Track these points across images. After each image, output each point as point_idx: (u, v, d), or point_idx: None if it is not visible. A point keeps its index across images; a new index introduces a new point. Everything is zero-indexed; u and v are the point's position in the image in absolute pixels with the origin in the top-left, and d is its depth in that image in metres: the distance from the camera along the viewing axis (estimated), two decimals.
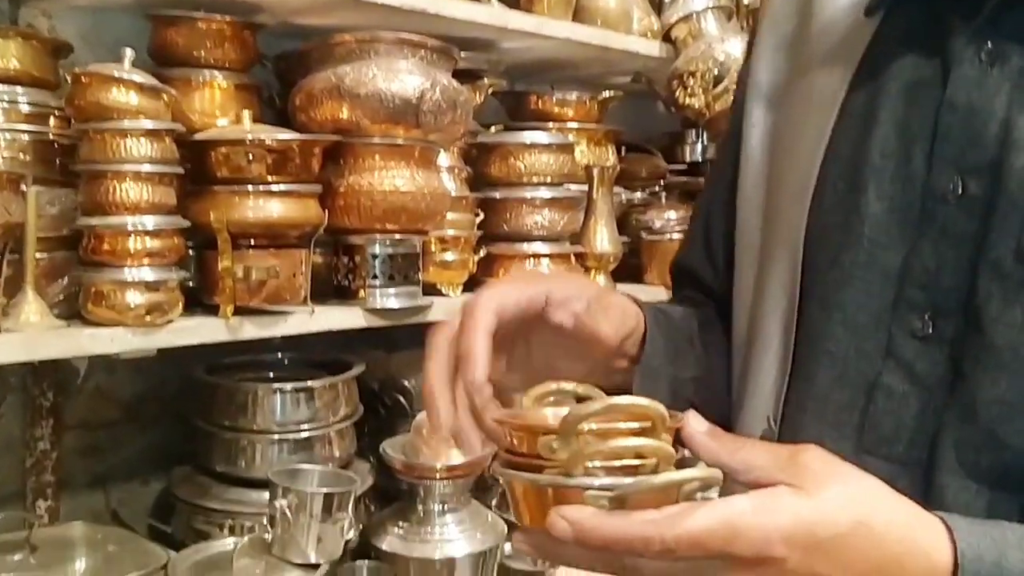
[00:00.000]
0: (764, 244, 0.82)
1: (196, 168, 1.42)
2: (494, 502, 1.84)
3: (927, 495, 0.67)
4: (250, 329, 1.43)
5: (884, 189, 0.71)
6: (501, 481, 0.58)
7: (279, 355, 1.79)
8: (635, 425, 0.55)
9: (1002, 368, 0.66)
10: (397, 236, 1.56)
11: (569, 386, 0.66)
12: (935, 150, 0.70)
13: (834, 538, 0.54)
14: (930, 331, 0.68)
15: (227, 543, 1.49)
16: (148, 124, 1.30)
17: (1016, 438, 0.65)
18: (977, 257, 0.67)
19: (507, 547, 1.75)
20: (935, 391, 0.68)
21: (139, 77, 1.32)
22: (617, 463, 0.54)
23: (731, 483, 0.57)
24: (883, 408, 0.70)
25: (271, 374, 1.74)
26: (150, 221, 1.29)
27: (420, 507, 1.64)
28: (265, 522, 1.48)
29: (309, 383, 1.63)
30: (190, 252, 1.44)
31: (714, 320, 0.90)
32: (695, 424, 0.59)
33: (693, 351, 0.85)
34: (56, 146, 1.35)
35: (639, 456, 0.55)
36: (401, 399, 1.84)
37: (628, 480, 0.53)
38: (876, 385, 0.70)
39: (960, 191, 0.68)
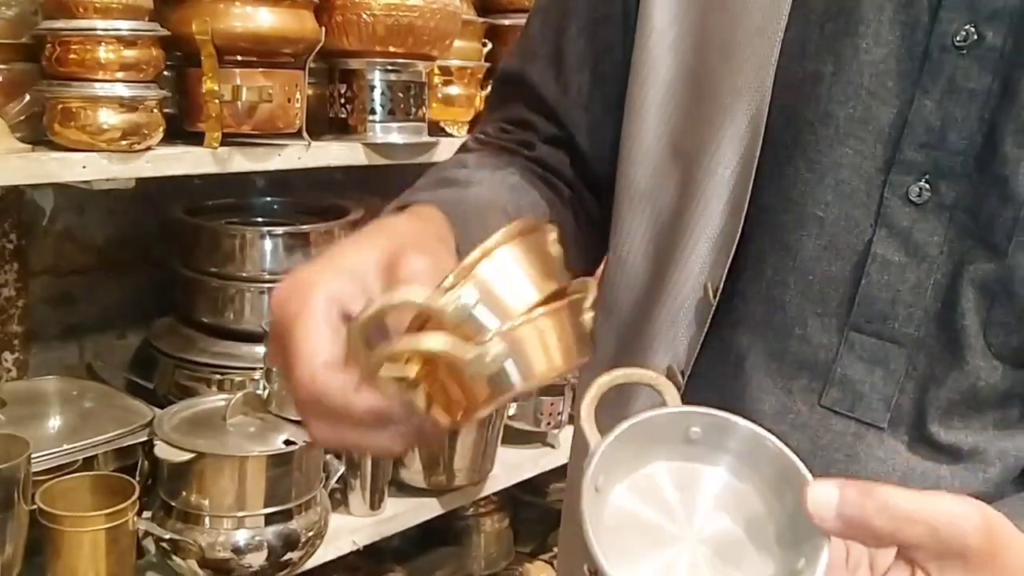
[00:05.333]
0: (698, 88, 0.68)
1: None
2: None
3: (932, 375, 0.63)
4: (240, 161, 1.29)
5: (883, 35, 0.61)
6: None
7: (268, 199, 1.64)
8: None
9: None
10: (400, 61, 1.42)
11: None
12: None
13: None
14: (928, 196, 0.61)
15: (217, 400, 1.38)
16: None
17: None
18: (994, 117, 0.59)
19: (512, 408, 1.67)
20: (935, 263, 0.62)
21: None
22: None
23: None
24: (876, 281, 0.63)
25: (260, 220, 1.59)
26: (124, 26, 1.13)
27: None
28: (257, 377, 1.38)
29: (304, 227, 1.51)
30: (167, 74, 1.29)
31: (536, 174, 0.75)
32: (823, 496, 0.46)
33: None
34: None
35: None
36: None
37: None
38: (868, 256, 0.63)
39: (974, 39, 0.59)
